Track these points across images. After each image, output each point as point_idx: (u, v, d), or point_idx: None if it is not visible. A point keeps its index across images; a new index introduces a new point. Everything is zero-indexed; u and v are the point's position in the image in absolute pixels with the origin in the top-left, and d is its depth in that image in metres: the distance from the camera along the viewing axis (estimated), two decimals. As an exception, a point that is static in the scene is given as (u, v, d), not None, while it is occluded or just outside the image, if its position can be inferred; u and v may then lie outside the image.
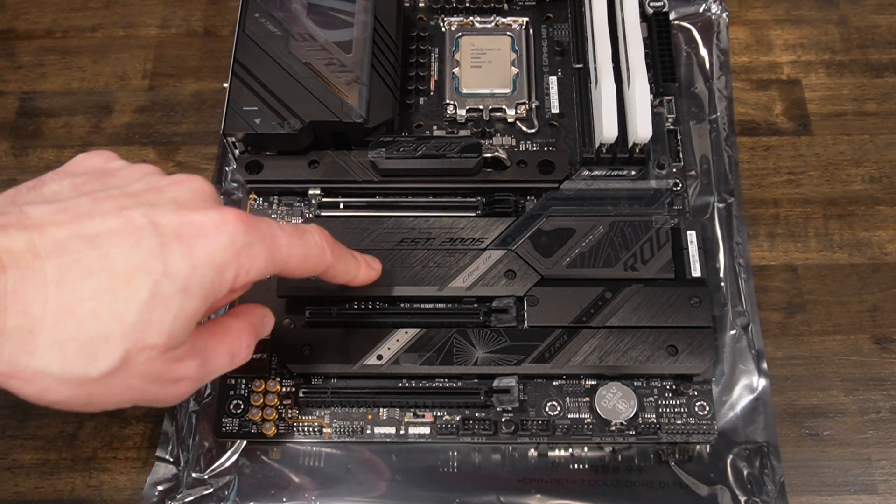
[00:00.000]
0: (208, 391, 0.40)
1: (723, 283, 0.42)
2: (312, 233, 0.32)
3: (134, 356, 0.26)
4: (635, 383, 0.39)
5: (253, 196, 0.44)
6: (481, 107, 0.46)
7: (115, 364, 0.26)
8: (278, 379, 0.39)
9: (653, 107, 0.44)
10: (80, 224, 0.26)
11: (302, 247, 0.31)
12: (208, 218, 0.27)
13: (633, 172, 0.43)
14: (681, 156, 0.45)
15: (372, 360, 0.38)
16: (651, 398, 0.39)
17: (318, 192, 0.43)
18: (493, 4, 0.48)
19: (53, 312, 0.25)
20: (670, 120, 0.45)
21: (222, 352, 0.31)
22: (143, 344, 0.26)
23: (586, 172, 0.43)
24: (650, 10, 0.47)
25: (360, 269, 0.36)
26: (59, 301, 0.25)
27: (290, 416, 0.39)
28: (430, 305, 0.40)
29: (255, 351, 0.39)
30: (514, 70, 0.46)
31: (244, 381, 0.39)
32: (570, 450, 0.39)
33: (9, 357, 0.24)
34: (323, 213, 0.43)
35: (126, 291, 0.25)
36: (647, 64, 0.44)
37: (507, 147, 0.45)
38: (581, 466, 0.38)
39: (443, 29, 0.48)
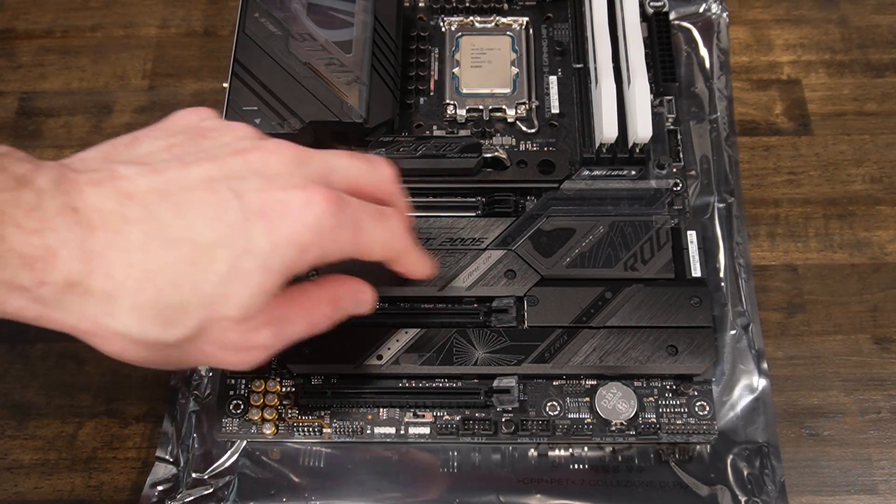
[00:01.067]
0: (208, 392, 0.40)
1: (723, 283, 0.42)
2: (393, 217, 0.31)
3: (209, 326, 0.27)
4: (635, 383, 0.39)
5: (253, 196, 0.44)
6: (481, 107, 0.46)
7: (190, 332, 0.27)
8: (278, 379, 0.39)
9: (653, 107, 0.44)
10: (169, 192, 0.26)
11: (384, 232, 0.31)
12: (295, 197, 0.27)
13: (633, 172, 0.43)
14: (681, 156, 0.45)
15: (372, 360, 0.38)
16: (651, 398, 0.39)
17: (318, 192, 0.43)
18: (493, 4, 0.48)
19: (135, 278, 0.25)
20: (670, 120, 0.45)
21: (299, 320, 0.30)
22: (218, 315, 0.27)
23: (586, 172, 0.43)
24: (650, 10, 0.47)
25: (426, 262, 0.34)
26: (141, 267, 0.25)
27: (290, 416, 0.39)
28: (430, 305, 0.40)
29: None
30: (514, 70, 0.46)
31: (244, 381, 0.39)
32: (570, 450, 0.39)
33: (91, 315, 0.26)
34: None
35: (206, 264, 0.26)
36: (647, 64, 0.44)
37: (507, 147, 0.45)
38: (581, 466, 0.38)
39: (443, 29, 0.48)
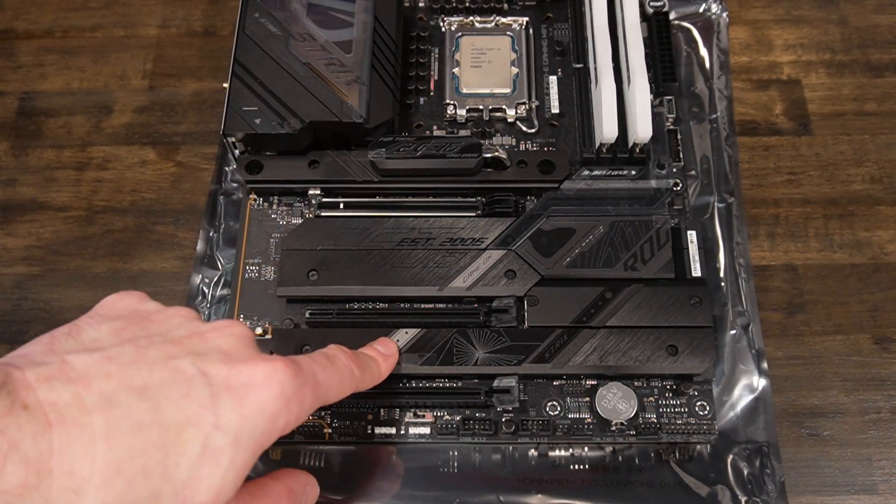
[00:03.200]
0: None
1: (723, 283, 0.42)
2: (338, 356, 0.32)
3: None
4: (635, 383, 0.39)
5: (253, 196, 0.44)
6: (481, 107, 0.46)
7: None
8: (278, 379, 0.39)
9: (653, 106, 0.44)
10: (128, 374, 0.25)
11: (336, 374, 0.31)
12: (258, 369, 0.27)
13: (634, 172, 0.43)
14: (681, 155, 0.45)
15: (372, 360, 0.38)
16: (651, 398, 0.39)
17: (318, 192, 0.43)
18: (493, 4, 0.48)
19: (101, 471, 0.23)
20: (670, 120, 0.45)
21: None
22: (190, 502, 0.25)
23: (586, 172, 0.43)
24: (650, 10, 0.47)
25: (382, 366, 0.36)
26: (107, 458, 0.23)
27: (290, 416, 0.39)
28: (431, 305, 0.40)
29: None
30: (514, 70, 0.46)
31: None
32: (571, 450, 0.39)
33: None
34: (323, 213, 0.43)
35: (177, 446, 0.25)
36: (647, 64, 0.44)
37: (507, 147, 0.45)
38: (581, 466, 0.38)
39: (443, 29, 0.48)
